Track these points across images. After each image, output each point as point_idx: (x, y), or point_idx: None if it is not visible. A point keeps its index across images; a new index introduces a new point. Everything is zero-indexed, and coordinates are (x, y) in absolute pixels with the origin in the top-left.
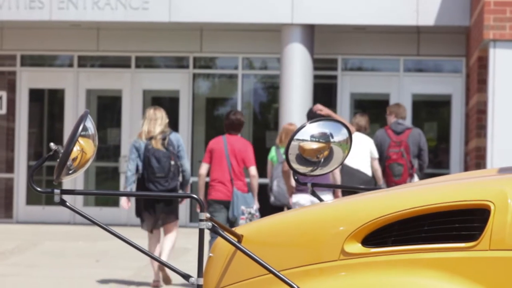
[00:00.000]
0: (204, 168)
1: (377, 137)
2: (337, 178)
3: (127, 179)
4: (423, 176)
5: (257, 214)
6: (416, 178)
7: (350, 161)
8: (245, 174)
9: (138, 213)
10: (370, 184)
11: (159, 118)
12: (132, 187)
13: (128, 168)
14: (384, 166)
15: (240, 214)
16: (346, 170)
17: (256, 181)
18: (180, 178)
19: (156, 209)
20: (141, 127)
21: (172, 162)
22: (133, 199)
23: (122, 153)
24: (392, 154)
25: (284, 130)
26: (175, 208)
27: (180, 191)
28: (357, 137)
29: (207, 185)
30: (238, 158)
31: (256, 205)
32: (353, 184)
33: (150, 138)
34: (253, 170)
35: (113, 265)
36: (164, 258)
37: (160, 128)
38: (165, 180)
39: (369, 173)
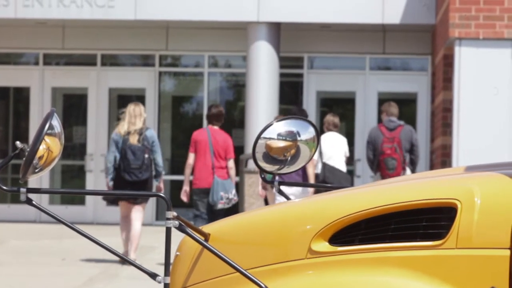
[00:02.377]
0: (191, 158)
1: (371, 134)
2: (310, 172)
3: (108, 169)
4: (415, 169)
5: (236, 198)
6: (408, 171)
7: (330, 160)
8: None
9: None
10: (347, 180)
11: (138, 115)
12: (112, 176)
13: (108, 160)
14: (378, 161)
15: (219, 199)
16: (328, 169)
17: (233, 171)
18: (154, 171)
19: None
20: (121, 121)
21: (146, 156)
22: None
23: (88, 151)
24: (386, 149)
25: None
26: (148, 189)
27: (155, 182)
28: (334, 136)
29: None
30: (221, 149)
31: (234, 190)
32: (338, 181)
33: (128, 133)
34: (231, 162)
35: (80, 263)
36: (136, 235)
37: (140, 125)
38: (139, 171)
39: (345, 169)
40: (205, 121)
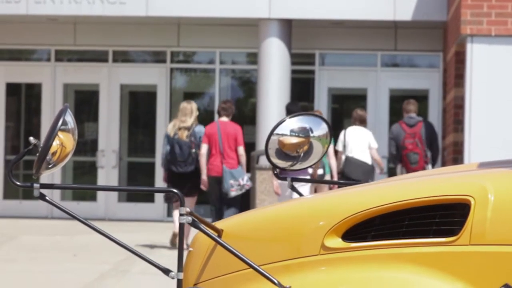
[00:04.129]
0: (204, 148)
1: (392, 131)
2: (333, 165)
3: (162, 160)
4: (435, 164)
5: (248, 183)
6: (430, 166)
7: (353, 153)
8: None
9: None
10: (371, 172)
11: (188, 113)
12: (201, 168)
13: (162, 153)
14: (401, 156)
15: (229, 187)
16: (349, 161)
17: (243, 158)
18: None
19: (180, 183)
20: (174, 118)
21: (193, 150)
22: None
23: (99, 148)
24: (408, 144)
25: None
26: (197, 184)
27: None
28: (357, 130)
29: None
30: (230, 140)
31: (246, 176)
32: (356, 173)
33: (179, 129)
34: (241, 149)
35: (91, 259)
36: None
37: (189, 122)
38: (185, 164)
39: (370, 162)
40: (216, 118)
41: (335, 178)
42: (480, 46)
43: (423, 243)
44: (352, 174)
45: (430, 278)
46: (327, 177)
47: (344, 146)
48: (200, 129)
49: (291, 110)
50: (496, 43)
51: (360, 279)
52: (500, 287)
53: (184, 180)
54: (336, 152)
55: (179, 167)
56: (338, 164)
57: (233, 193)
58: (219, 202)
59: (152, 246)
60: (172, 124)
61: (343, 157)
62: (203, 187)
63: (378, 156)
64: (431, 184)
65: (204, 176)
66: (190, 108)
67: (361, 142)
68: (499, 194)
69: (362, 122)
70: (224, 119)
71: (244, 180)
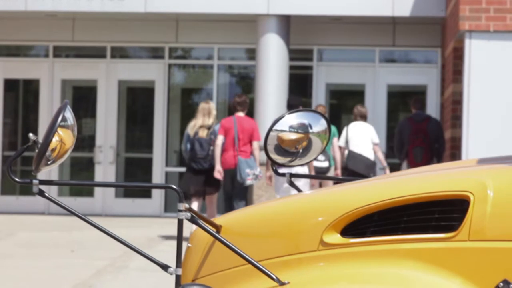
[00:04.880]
0: (220, 139)
1: (399, 126)
2: (337, 158)
3: (184, 157)
4: (440, 160)
5: (261, 174)
6: (435, 162)
7: (356, 148)
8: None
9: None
10: (373, 167)
11: (207, 113)
12: (216, 159)
13: (183, 149)
14: (407, 151)
15: (246, 175)
16: (352, 156)
17: (257, 152)
18: None
19: (200, 181)
20: (194, 118)
21: (212, 148)
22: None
23: (97, 144)
24: (413, 140)
25: None
26: (217, 182)
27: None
28: (360, 125)
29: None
30: (246, 134)
31: (259, 168)
32: (359, 168)
33: (200, 127)
34: (255, 143)
35: (88, 255)
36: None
37: (211, 121)
38: (204, 161)
39: (372, 157)
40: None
41: (339, 171)
42: (478, 42)
43: (422, 239)
44: (355, 168)
45: (429, 273)
46: (332, 170)
47: (347, 142)
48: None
49: (292, 104)
50: (495, 39)
51: (359, 274)
52: (499, 283)
53: (204, 176)
54: (339, 147)
55: (198, 164)
56: (341, 159)
57: (249, 181)
58: (230, 194)
59: (149, 242)
60: (193, 124)
61: (346, 152)
62: (218, 176)
63: (381, 152)
64: (430, 180)
65: (218, 166)
66: (209, 108)
67: (364, 138)
68: (498, 190)
69: (364, 117)
70: (240, 114)
71: (258, 171)
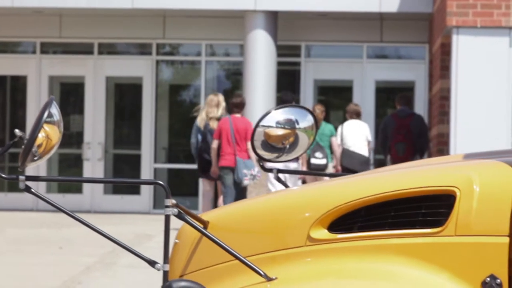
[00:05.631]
0: (215, 143)
1: (384, 122)
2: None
3: (192, 149)
4: (423, 156)
5: (259, 174)
6: (417, 157)
7: (351, 145)
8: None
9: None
10: (367, 163)
11: (215, 104)
12: (213, 161)
13: (192, 143)
14: (390, 146)
15: (243, 176)
16: (346, 152)
17: (252, 152)
18: None
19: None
20: (201, 110)
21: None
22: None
23: (85, 140)
24: (397, 135)
25: None
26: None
27: None
28: (354, 123)
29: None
30: (241, 134)
31: (257, 168)
32: (354, 164)
33: (210, 118)
34: (249, 144)
35: (77, 252)
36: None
37: (220, 112)
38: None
39: (366, 154)
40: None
41: (339, 167)
42: (465, 37)
43: (409, 234)
44: (350, 165)
45: (416, 269)
46: (330, 167)
47: (342, 140)
48: None
49: (285, 100)
50: (482, 35)
51: (346, 270)
52: (485, 278)
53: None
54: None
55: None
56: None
57: (246, 182)
58: (231, 191)
59: (138, 238)
60: (201, 117)
61: (340, 150)
62: (213, 175)
63: (370, 149)
64: (416, 175)
65: (215, 169)
66: (217, 100)
67: (358, 135)
68: (484, 185)
69: (358, 115)
70: (237, 115)
71: (255, 171)
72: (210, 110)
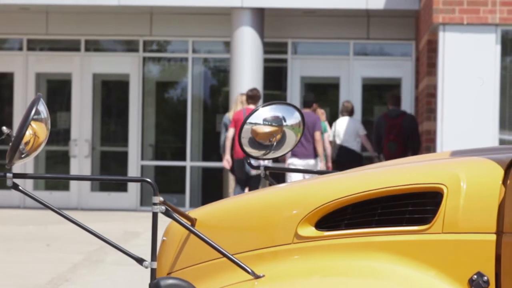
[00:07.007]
0: (230, 132)
1: (376, 121)
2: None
3: (221, 147)
4: (415, 154)
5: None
6: (410, 155)
7: (343, 142)
8: None
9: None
10: (359, 159)
11: (240, 102)
12: (226, 150)
13: (221, 140)
14: (382, 145)
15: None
16: (339, 149)
17: None
18: None
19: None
20: (230, 109)
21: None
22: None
23: (72, 137)
24: (388, 134)
25: None
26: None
27: None
28: (346, 120)
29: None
30: None
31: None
32: (346, 160)
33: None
34: None
35: (64, 249)
36: None
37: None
38: None
39: (358, 149)
40: (189, 107)
41: (330, 164)
42: (452, 34)
43: (396, 231)
44: (343, 161)
45: (403, 266)
46: (319, 164)
47: (334, 136)
48: None
49: (306, 101)
50: (468, 32)
51: (334, 267)
52: (472, 275)
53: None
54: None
55: None
56: (331, 153)
57: (254, 172)
58: (244, 182)
59: (125, 236)
60: (231, 113)
61: (330, 147)
62: (227, 165)
63: (368, 141)
64: (403, 172)
65: (228, 156)
66: (242, 99)
67: (349, 131)
68: (471, 182)
69: (349, 112)
70: (251, 106)
71: (265, 161)
72: (240, 106)
